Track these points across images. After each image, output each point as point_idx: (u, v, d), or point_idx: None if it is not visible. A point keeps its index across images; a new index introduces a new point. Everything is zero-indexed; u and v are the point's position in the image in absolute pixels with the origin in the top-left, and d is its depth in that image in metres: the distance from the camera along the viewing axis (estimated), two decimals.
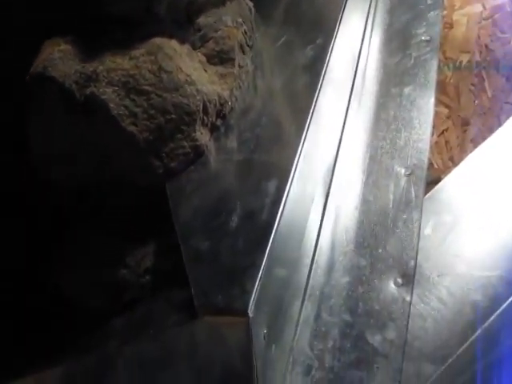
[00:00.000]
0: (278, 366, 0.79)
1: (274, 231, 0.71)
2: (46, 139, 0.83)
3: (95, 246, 0.88)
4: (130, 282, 0.85)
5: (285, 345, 0.82)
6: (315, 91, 0.90)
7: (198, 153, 0.82)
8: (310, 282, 0.88)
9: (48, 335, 0.87)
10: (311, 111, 0.86)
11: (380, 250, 0.91)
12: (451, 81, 1.30)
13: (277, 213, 0.73)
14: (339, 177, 0.99)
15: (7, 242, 0.95)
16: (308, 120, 0.85)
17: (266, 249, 0.70)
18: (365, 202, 0.96)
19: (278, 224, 0.72)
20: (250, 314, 0.65)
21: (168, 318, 0.73)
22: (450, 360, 0.81)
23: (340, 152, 1.01)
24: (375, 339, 0.83)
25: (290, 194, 0.76)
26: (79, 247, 0.89)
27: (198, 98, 0.80)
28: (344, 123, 1.04)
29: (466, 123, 1.23)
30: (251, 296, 0.66)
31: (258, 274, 0.68)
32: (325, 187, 0.95)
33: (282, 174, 0.77)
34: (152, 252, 0.84)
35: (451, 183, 1.00)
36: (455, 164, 1.08)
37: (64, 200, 0.90)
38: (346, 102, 1.07)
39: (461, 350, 0.82)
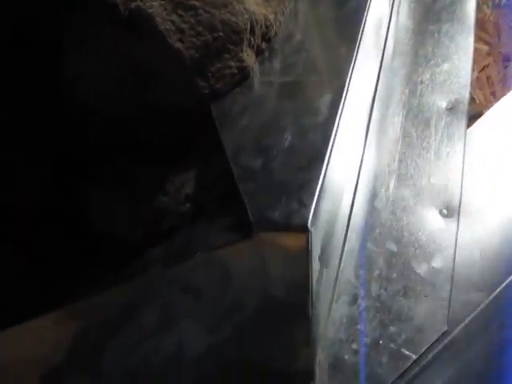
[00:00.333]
0: (324, 295, 0.78)
1: (329, 148, 0.69)
2: (85, 57, 0.79)
3: (131, 174, 0.85)
4: (169, 209, 0.83)
5: (331, 273, 0.81)
6: (361, 20, 0.87)
7: (244, 74, 0.79)
8: (354, 212, 0.86)
9: (84, 268, 0.85)
10: (359, 38, 0.84)
11: (424, 182, 0.89)
12: (491, 18, 1.28)
13: (332, 130, 0.71)
14: (379, 110, 0.97)
15: (38, 176, 0.93)
16: (356, 47, 0.82)
17: (323, 164, 0.68)
18: (406, 135, 0.94)
19: (333, 142, 0.70)
20: (310, 229, 0.63)
21: (214, 242, 0.71)
22: (498, 289, 0.80)
23: (378, 86, 0.98)
24: (422, 268, 0.82)
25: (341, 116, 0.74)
26: (114, 175, 0.86)
27: (245, 16, 0.77)
28: (382, 58, 1.01)
29: (507, 59, 1.21)
30: (310, 211, 0.64)
31: (315, 189, 0.66)
32: (366, 120, 0.93)
33: (333, 94, 0.75)
34: (193, 178, 0.82)
35: (494, 117, 0.97)
36: (497, 99, 1.06)
37: (99, 126, 0.87)
38: (384, 38, 1.04)
39: (509, 279, 0.81)
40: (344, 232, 0.83)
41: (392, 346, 0.76)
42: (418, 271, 0.81)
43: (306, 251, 0.64)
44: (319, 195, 0.66)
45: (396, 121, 0.95)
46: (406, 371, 0.76)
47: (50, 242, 0.88)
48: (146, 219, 0.81)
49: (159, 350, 0.78)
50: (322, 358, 0.77)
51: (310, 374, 0.76)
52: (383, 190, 0.88)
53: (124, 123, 0.82)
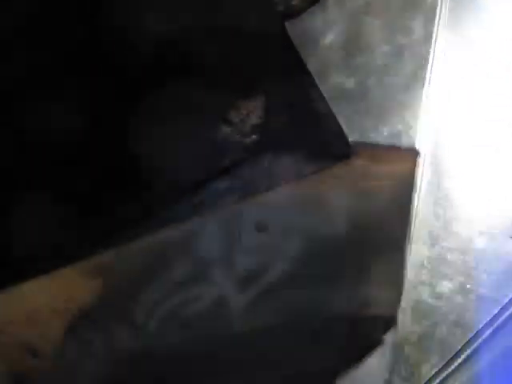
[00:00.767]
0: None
1: (429, 68, 0.63)
2: None
3: (189, 101, 0.77)
4: (232, 142, 0.75)
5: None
6: None
7: None
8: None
9: (135, 207, 0.78)
10: None
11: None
12: None
13: (429, 49, 0.64)
14: None
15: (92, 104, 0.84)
16: None
17: (424, 83, 0.61)
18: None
19: (432, 62, 0.64)
20: (419, 151, 0.57)
21: (303, 169, 0.64)
22: None
23: None
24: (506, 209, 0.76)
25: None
26: (169, 103, 0.78)
27: None
28: None
29: None
30: (417, 132, 0.58)
31: (420, 109, 0.59)
32: None
33: (427, 12, 0.68)
34: (261, 106, 0.75)
35: None
36: None
37: (156, 52, 0.79)
38: None
39: None
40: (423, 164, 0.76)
41: (480, 290, 0.71)
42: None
43: (413, 175, 0.57)
44: (424, 116, 0.59)
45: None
46: (495, 317, 0.71)
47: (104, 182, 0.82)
48: (206, 155, 0.74)
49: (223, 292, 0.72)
50: (403, 301, 0.71)
51: (392, 319, 0.71)
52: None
53: (185, 43, 0.75)
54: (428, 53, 0.63)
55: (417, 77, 0.61)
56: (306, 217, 0.63)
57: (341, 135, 0.58)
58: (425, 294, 0.72)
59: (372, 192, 0.58)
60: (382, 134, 0.57)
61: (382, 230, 0.60)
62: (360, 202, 0.59)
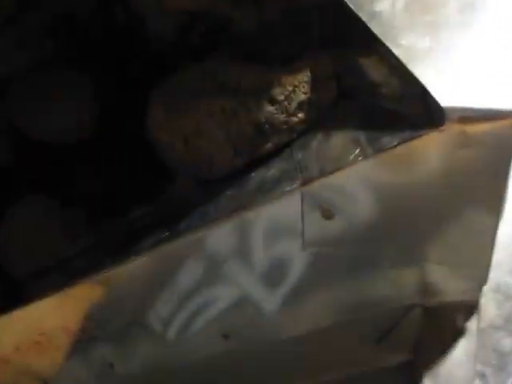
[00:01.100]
0: None
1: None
2: None
3: (224, 76, 0.68)
4: (277, 123, 0.67)
5: None
6: None
7: None
8: None
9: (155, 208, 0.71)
10: None
11: None
12: None
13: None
14: None
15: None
16: None
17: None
18: None
19: None
20: None
21: (361, 149, 0.57)
22: None
23: None
24: None
25: None
26: (199, 80, 0.68)
27: None
28: None
29: None
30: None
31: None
32: None
33: None
34: (308, 80, 0.67)
35: None
36: None
37: (185, 23, 0.71)
38: None
39: None
40: None
41: None
42: None
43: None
44: None
45: None
46: None
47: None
48: (246, 138, 0.66)
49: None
50: None
51: (474, 304, 0.64)
52: None
53: (218, 11, 0.67)
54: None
55: (499, 31, 0.55)
56: (385, 196, 0.56)
57: (428, 100, 0.51)
58: (504, 275, 0.66)
59: (467, 160, 0.52)
60: (476, 96, 0.50)
61: (475, 204, 0.53)
62: (452, 172, 0.52)
